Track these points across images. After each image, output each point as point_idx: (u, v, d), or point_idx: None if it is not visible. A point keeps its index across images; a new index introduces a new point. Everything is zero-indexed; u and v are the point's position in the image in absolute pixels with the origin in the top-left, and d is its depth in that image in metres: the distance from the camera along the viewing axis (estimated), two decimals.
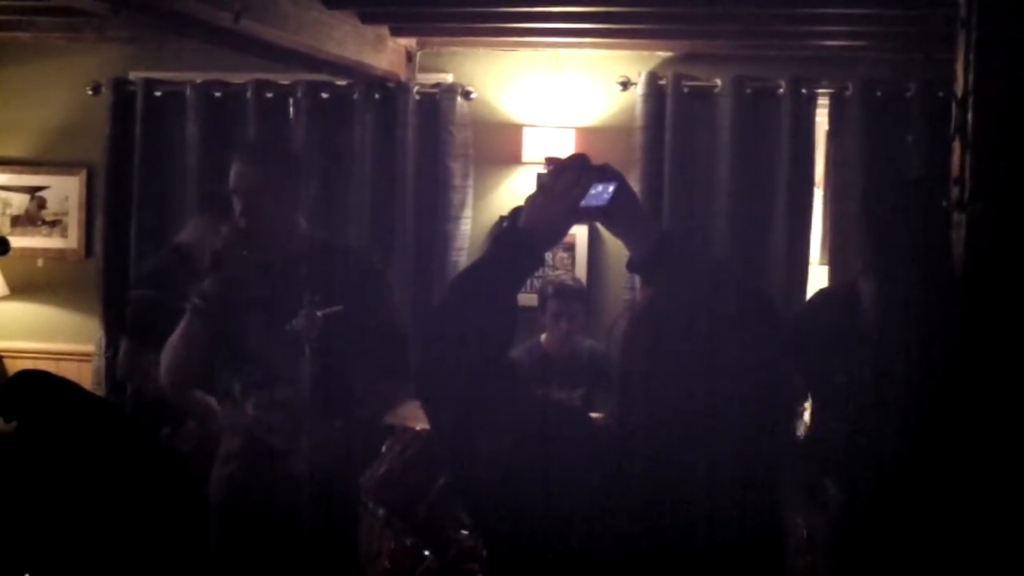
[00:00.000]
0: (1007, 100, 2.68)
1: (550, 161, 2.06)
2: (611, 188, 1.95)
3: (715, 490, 1.72)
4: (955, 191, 2.83)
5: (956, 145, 2.89)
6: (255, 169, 3.36)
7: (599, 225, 2.39)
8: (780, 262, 5.43)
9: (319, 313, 3.25)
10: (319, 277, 3.34)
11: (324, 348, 3.27)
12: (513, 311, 1.94)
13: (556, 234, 2.00)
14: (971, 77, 2.77)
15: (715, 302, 1.81)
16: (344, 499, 3.51)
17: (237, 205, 3.33)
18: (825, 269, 5.60)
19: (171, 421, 4.29)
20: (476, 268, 2.00)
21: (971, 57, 2.80)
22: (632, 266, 2.04)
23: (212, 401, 3.79)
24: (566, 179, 1.94)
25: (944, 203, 2.91)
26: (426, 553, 4.16)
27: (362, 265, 3.53)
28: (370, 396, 3.52)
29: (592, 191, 1.95)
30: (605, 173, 1.98)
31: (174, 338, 3.39)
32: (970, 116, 2.76)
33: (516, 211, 2.00)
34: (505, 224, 2.05)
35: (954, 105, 2.96)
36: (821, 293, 4.10)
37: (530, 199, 1.96)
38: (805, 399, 3.58)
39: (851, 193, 5.30)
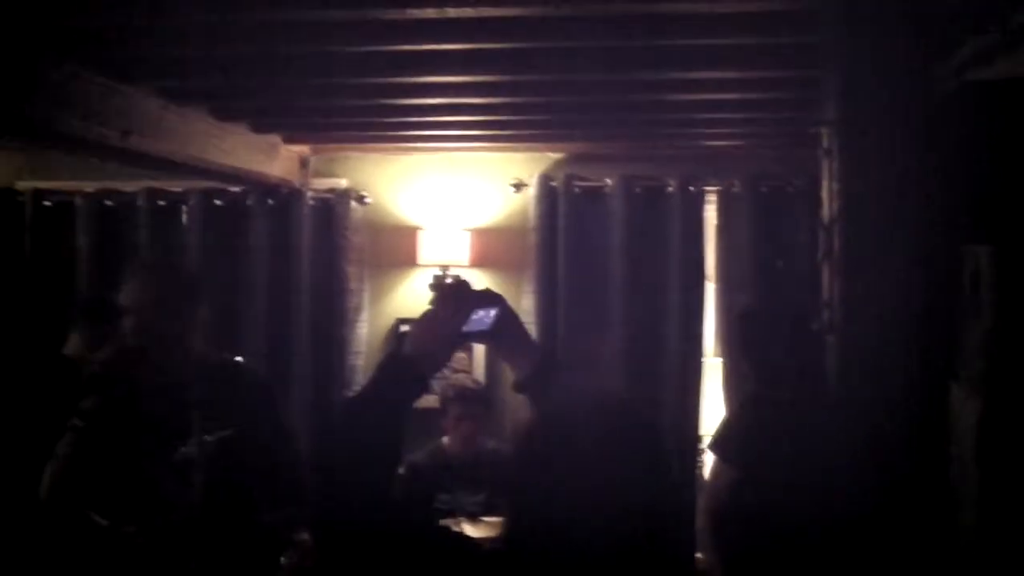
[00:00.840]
0: (874, 224, 2.78)
1: (435, 285, 2.11)
2: (492, 312, 2.01)
3: None
4: (826, 314, 2.92)
5: (825, 270, 2.98)
6: (148, 287, 3.31)
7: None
8: (674, 356, 5.51)
9: (208, 438, 3.21)
10: (211, 399, 3.28)
11: (215, 474, 3.22)
12: (399, 436, 1.96)
13: (440, 359, 2.04)
14: (835, 205, 2.87)
15: (599, 427, 1.84)
16: None
17: (128, 322, 3.28)
18: (719, 361, 5.69)
19: None
20: (363, 396, 2.02)
21: (834, 186, 2.90)
22: (517, 387, 2.10)
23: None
24: (448, 306, 1.99)
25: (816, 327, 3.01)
26: None
27: (256, 386, 3.49)
28: (263, 526, 3.47)
29: (474, 316, 2.00)
30: (487, 298, 2.03)
31: (55, 457, 3.31)
32: (836, 242, 2.86)
33: (402, 337, 2.05)
34: (388, 352, 2.09)
35: (821, 231, 3.05)
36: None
37: (414, 326, 2.00)
38: None
39: (742, 285, 5.43)
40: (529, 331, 2.20)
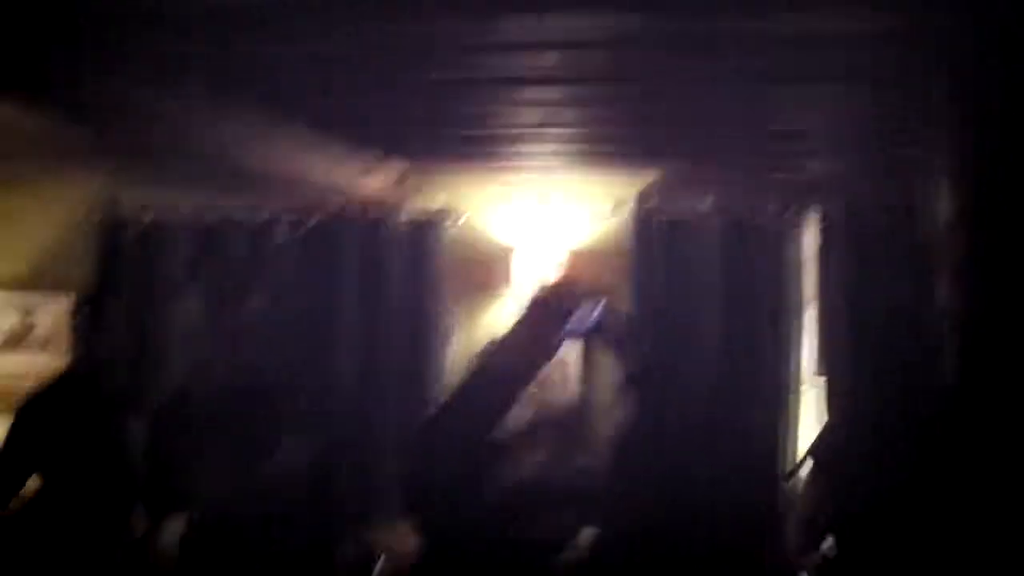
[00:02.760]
0: (995, 227, 2.69)
1: (542, 286, 2.10)
2: (597, 310, 2.00)
3: None
4: (944, 321, 2.83)
5: (944, 275, 2.89)
6: None
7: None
8: (768, 389, 5.40)
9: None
10: None
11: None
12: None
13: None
14: (955, 206, 2.78)
15: (701, 434, 1.82)
16: None
17: None
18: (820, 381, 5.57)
19: None
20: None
21: (955, 189, 2.81)
22: (619, 387, 2.08)
23: None
24: (551, 305, 1.98)
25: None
26: None
27: None
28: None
29: (578, 313, 2.00)
30: (590, 296, 2.02)
31: None
32: (955, 245, 2.77)
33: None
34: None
35: (940, 234, 2.97)
36: None
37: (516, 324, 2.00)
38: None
39: (840, 317, 5.31)
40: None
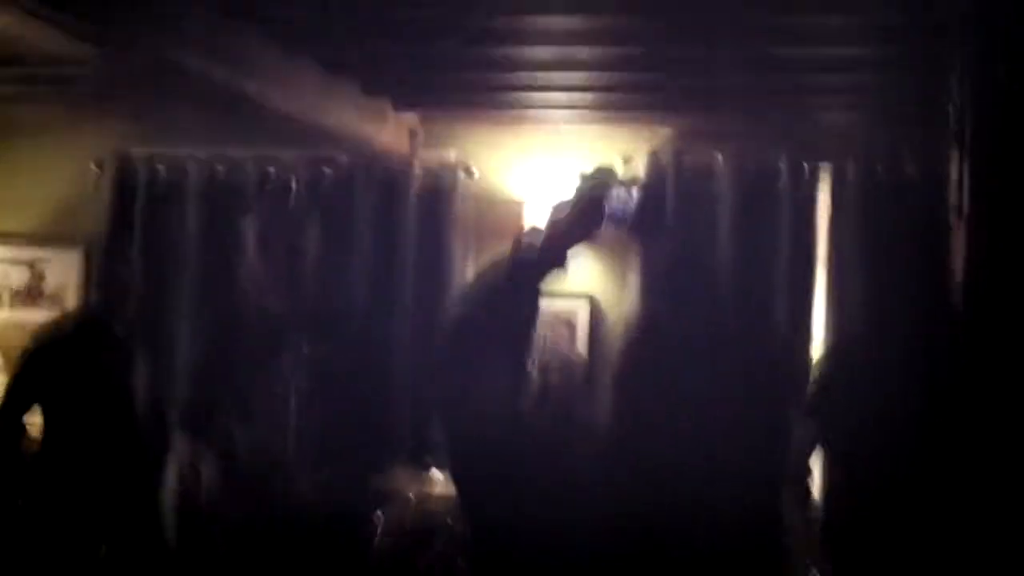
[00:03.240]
0: (1004, 106, 2.65)
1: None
2: (634, 193, 1.99)
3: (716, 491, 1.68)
4: (954, 196, 2.80)
5: (954, 149, 2.86)
6: None
7: None
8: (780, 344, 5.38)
9: (305, 351, 3.20)
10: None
11: (309, 392, 3.20)
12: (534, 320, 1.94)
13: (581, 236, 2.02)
14: (968, 85, 2.75)
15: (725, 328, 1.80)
16: None
17: None
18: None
19: None
20: (495, 278, 2.03)
21: (968, 68, 2.78)
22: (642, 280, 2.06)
23: None
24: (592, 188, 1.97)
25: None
26: None
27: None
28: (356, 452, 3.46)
29: (616, 196, 1.98)
30: (627, 178, 2.01)
31: None
32: (967, 120, 2.74)
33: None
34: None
35: (951, 109, 2.94)
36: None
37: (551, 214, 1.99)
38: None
39: (853, 270, 5.29)
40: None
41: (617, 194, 2.01)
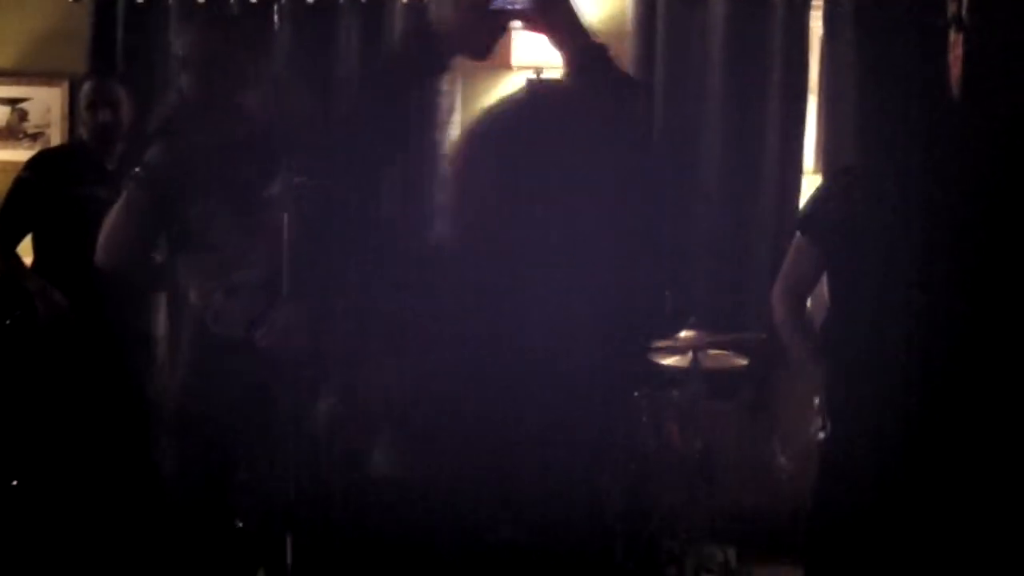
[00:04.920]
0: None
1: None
2: None
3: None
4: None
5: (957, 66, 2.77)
6: (209, 39, 3.24)
7: None
8: (773, 171, 5.38)
9: (296, 180, 3.06)
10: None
11: (301, 220, 3.06)
12: (407, 115, 1.84)
13: (463, 38, 1.87)
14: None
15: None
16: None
17: (188, 76, 3.21)
18: (818, 178, 5.53)
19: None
20: (372, 69, 1.94)
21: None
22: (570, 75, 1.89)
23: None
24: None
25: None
26: None
27: None
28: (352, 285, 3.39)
29: None
30: None
31: (112, 213, 3.25)
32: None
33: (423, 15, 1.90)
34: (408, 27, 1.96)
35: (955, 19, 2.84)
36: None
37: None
38: None
39: (847, 99, 5.24)
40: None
41: None
